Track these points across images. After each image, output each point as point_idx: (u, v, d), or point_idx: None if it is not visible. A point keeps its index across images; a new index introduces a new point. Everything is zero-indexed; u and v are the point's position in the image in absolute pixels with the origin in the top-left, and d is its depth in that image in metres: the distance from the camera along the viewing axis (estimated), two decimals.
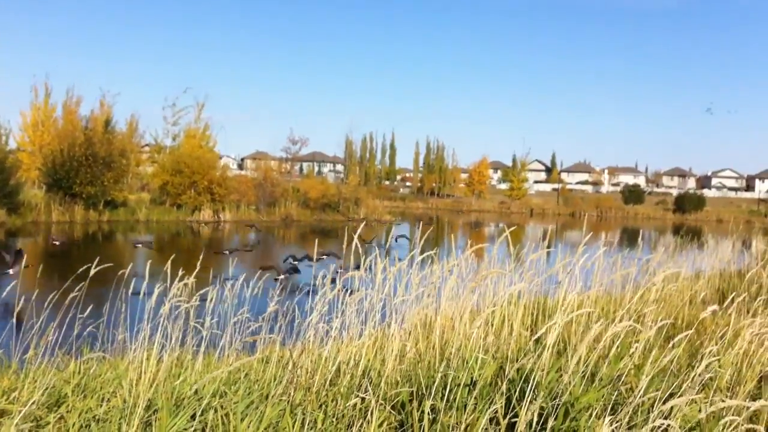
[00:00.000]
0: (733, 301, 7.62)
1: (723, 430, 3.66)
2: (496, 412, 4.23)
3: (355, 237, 5.54)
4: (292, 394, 4.65)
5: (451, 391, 4.43)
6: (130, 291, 6.85)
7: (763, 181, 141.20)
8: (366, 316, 6.05)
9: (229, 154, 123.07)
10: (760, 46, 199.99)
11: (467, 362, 4.65)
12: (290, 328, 6.36)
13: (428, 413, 4.23)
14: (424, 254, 6.17)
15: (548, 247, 7.26)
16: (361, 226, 5.72)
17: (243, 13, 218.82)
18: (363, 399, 4.55)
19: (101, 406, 4.38)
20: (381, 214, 60.58)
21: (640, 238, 9.68)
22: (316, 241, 9.68)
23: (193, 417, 4.18)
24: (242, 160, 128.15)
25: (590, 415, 4.15)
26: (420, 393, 4.58)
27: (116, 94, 59.85)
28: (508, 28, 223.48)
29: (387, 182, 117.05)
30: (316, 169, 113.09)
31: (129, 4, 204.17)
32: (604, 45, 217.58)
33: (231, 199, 49.32)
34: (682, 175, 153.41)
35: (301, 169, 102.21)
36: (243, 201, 50.71)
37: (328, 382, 4.88)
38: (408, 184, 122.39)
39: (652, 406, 4.00)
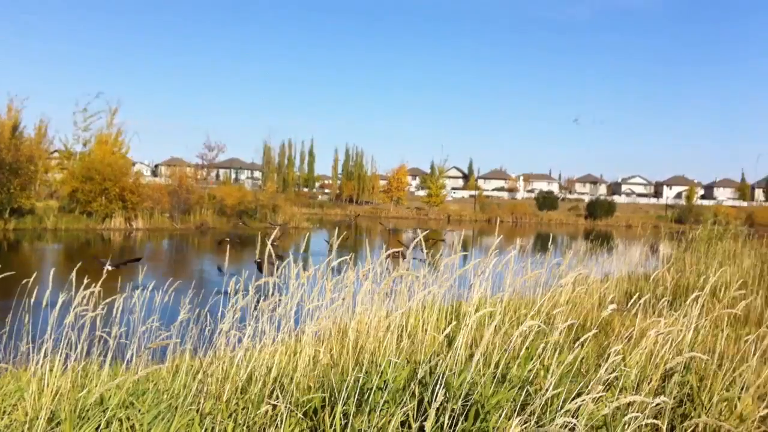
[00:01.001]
0: (637, 302, 7.87)
1: (626, 426, 3.75)
2: (408, 415, 4.24)
3: (269, 244, 5.48)
4: (201, 403, 4.56)
5: (363, 395, 4.42)
6: (32, 301, 6.59)
7: (670, 188, 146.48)
8: (279, 323, 5.98)
9: (143, 161, 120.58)
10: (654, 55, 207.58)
11: (380, 366, 4.65)
12: (202, 337, 6.24)
13: (340, 418, 4.20)
14: (339, 259, 6.15)
15: (465, 252, 7.35)
16: (275, 232, 5.65)
17: (157, 16, 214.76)
18: (274, 406, 4.49)
19: (2, 419, 4.21)
20: (299, 221, 60.27)
21: (549, 243, 9.85)
22: (228, 248, 9.53)
23: (97, 429, 4.05)
24: (156, 166, 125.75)
25: (500, 416, 4.20)
26: (333, 398, 4.55)
27: (25, 99, 57.61)
28: (426, 34, 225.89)
29: (306, 189, 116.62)
30: (233, 175, 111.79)
31: (41, 5, 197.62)
32: (519, 52, 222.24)
33: (144, 206, 48.22)
34: (594, 181, 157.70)
35: (217, 175, 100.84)
36: (157, 208, 49.64)
37: (239, 390, 4.81)
38: (327, 191, 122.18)
39: (562, 406, 4.08)
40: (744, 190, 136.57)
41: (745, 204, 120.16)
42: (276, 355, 5.34)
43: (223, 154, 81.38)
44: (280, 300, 5.97)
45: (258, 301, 5.88)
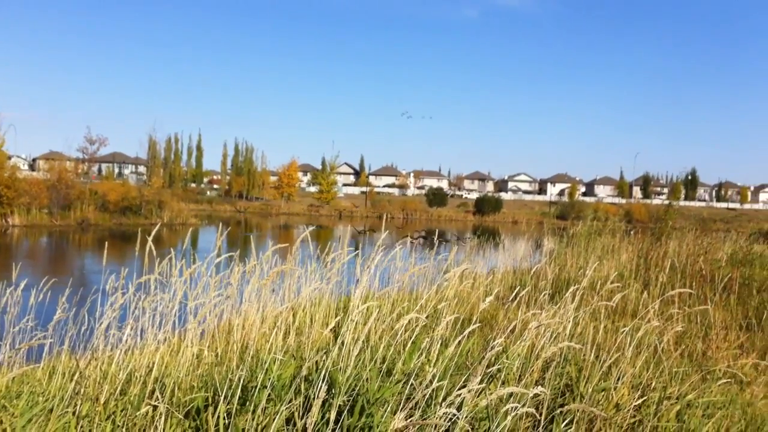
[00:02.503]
0: (518, 295, 8.07)
1: (506, 417, 3.82)
2: (293, 412, 4.19)
3: (149, 241, 5.30)
4: (78, 405, 4.37)
5: (248, 393, 4.34)
6: None
7: (554, 185, 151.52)
8: (162, 321, 5.81)
9: (20, 154, 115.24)
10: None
11: (265, 363, 4.57)
12: (81, 337, 6.00)
13: (223, 417, 4.11)
14: (223, 256, 6.02)
15: (355, 248, 7.33)
16: (155, 228, 5.47)
17: (35, 6, 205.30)
18: (155, 407, 4.35)
19: None
20: (186, 217, 58.92)
21: (436, 237, 9.97)
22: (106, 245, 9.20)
23: None
24: (34, 160, 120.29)
25: (385, 410, 4.20)
26: (216, 398, 4.44)
27: None
28: (317, 33, 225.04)
29: (193, 185, 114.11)
30: (117, 170, 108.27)
31: None
32: (411, 52, 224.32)
33: (20, 202, 46.02)
34: (482, 179, 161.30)
35: (99, 170, 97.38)
36: (34, 204, 47.47)
37: (118, 392, 4.64)
38: (216, 186, 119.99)
39: (445, 399, 4.11)
40: (623, 188, 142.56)
41: (623, 201, 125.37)
42: (157, 355, 5.18)
43: (106, 148, 78.55)
44: (161, 298, 5.80)
45: (139, 299, 5.69)
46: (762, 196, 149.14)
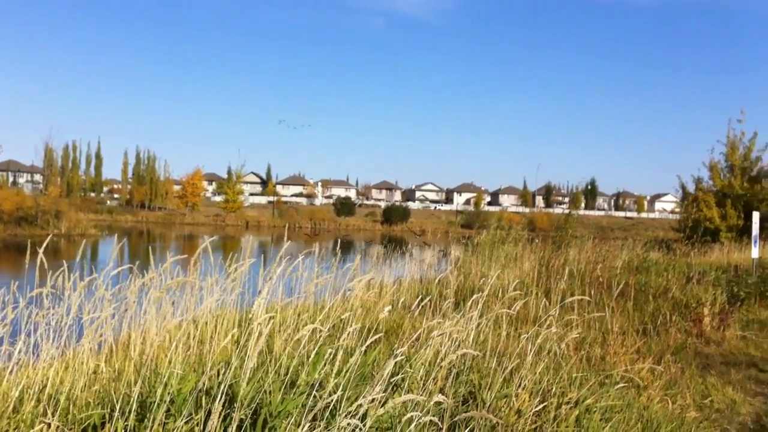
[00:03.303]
0: (423, 304, 8.12)
1: (408, 426, 3.83)
2: (193, 428, 4.10)
3: (40, 252, 5.09)
4: None
5: (147, 409, 4.22)
6: None
7: (460, 195, 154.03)
8: (56, 336, 5.59)
9: None
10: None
11: (165, 378, 4.45)
12: None
13: None
14: (120, 267, 5.84)
15: (264, 259, 7.23)
16: (47, 239, 5.27)
17: None
18: (49, 425, 4.18)
19: None
20: (85, 227, 57.14)
21: (338, 247, 9.94)
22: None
23: None
24: None
25: (288, 423, 4.15)
26: (114, 414, 4.29)
27: None
28: (221, 40, 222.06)
29: (93, 194, 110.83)
30: (11, 179, 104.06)
31: None
32: (317, 61, 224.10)
33: None
34: (390, 188, 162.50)
35: None
36: None
37: (10, 410, 4.44)
38: (116, 196, 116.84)
39: (354, 411, 4.09)
40: (526, 197, 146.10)
41: (527, 210, 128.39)
42: (51, 371, 4.98)
43: None
44: (55, 311, 5.58)
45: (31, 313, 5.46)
46: (658, 206, 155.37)
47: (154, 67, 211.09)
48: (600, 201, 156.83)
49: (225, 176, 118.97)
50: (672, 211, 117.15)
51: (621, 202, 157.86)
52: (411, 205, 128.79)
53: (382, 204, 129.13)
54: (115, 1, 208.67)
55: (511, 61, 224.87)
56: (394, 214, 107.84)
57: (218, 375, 4.46)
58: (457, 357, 4.98)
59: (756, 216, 21.99)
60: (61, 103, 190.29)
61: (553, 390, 5.70)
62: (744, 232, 32.83)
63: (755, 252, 20.59)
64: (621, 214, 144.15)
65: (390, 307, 4.98)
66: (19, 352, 5.16)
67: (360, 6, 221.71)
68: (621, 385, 6.46)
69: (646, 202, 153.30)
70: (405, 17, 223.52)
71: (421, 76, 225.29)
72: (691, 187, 42.45)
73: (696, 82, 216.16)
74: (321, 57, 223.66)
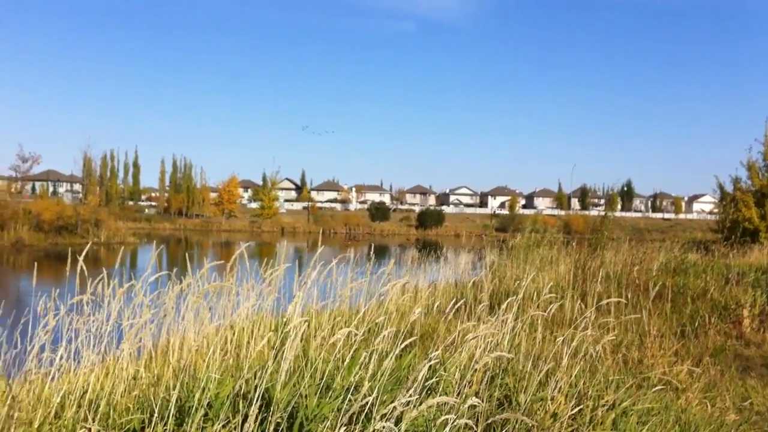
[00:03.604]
0: (460, 308, 8.13)
1: (443, 429, 3.84)
2: (231, 431, 4.15)
3: (80, 260, 5.20)
4: (12, 430, 4.25)
5: (186, 413, 4.28)
6: None
7: (494, 198, 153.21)
8: (97, 342, 5.69)
9: None
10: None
11: (203, 382, 4.51)
12: (15, 360, 5.83)
13: None
14: (158, 274, 5.93)
15: (300, 264, 7.29)
16: (86, 248, 5.37)
17: None
18: (90, 430, 4.26)
19: None
20: (124, 236, 57.88)
21: (370, 251, 9.94)
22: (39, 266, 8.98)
23: None
24: None
25: (325, 426, 4.19)
26: (154, 419, 4.37)
27: None
28: (254, 47, 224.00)
29: (131, 202, 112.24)
30: (51, 189, 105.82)
31: None
32: (350, 67, 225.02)
33: None
34: (424, 192, 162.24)
35: (33, 189, 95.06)
36: None
37: (52, 415, 4.53)
38: (154, 204, 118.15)
39: (387, 414, 4.11)
40: (561, 200, 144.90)
41: (562, 213, 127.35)
42: (92, 376, 5.07)
43: (39, 166, 76.97)
44: (96, 318, 5.68)
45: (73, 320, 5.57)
46: (696, 207, 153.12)
47: (189, 76, 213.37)
48: (636, 203, 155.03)
49: (260, 183, 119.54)
50: (710, 212, 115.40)
51: (658, 203, 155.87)
52: (445, 209, 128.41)
53: (417, 208, 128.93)
54: (148, 10, 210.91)
55: (544, 62, 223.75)
56: (428, 219, 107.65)
57: (254, 379, 4.51)
58: (491, 360, 4.98)
59: None
60: (98, 112, 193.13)
61: (589, 393, 5.67)
62: None
63: None
64: (658, 215, 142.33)
65: (420, 309, 4.99)
66: (60, 358, 5.25)
67: (389, 11, 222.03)
68: (658, 387, 6.40)
69: (683, 203, 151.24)
70: (433, 21, 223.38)
71: (453, 79, 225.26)
72: (729, 187, 41.76)
73: (732, 79, 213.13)
74: (354, 61, 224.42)
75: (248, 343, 5.90)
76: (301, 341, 6.06)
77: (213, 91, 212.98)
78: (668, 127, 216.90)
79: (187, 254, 7.02)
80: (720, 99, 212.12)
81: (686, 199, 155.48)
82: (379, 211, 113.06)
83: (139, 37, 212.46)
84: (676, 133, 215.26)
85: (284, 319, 6.15)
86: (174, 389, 4.50)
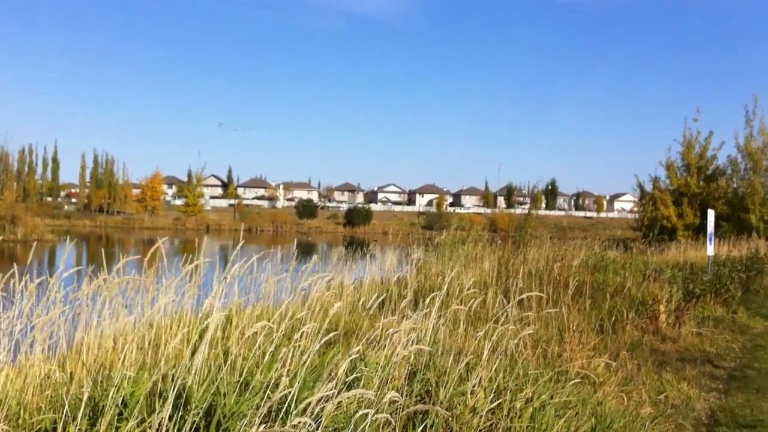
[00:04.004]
0: (384, 304, 8.15)
1: (361, 424, 3.83)
2: (145, 430, 4.05)
3: None
4: None
5: (99, 413, 4.17)
6: None
7: (422, 196, 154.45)
8: (9, 340, 5.49)
9: None
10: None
11: (117, 380, 4.40)
12: None
13: None
14: (71, 270, 5.76)
15: (224, 261, 7.17)
16: None
17: None
18: None
19: None
20: (42, 232, 56.17)
21: (294, 248, 9.88)
22: None
23: None
24: None
25: (243, 424, 4.13)
26: (65, 418, 4.23)
27: None
28: (179, 43, 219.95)
29: (50, 199, 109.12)
30: None
31: None
32: (276, 62, 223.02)
33: None
34: (352, 190, 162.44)
35: None
36: None
37: None
38: (74, 200, 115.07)
39: (305, 409, 4.08)
40: (488, 198, 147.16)
41: (489, 211, 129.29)
42: (2, 376, 4.89)
43: None
44: (6, 316, 5.48)
45: None
46: (617, 205, 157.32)
47: (110, 70, 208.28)
48: (560, 201, 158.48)
49: (185, 179, 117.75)
50: (631, 211, 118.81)
51: (581, 202, 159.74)
52: (373, 206, 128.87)
53: (345, 206, 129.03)
54: (68, 3, 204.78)
55: (472, 61, 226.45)
56: (356, 216, 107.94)
57: (171, 378, 4.41)
58: (411, 354, 4.99)
59: (711, 214, 22.41)
60: (16, 106, 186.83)
61: (509, 387, 5.74)
62: (700, 230, 33.41)
63: (710, 249, 20.97)
64: (581, 213, 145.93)
65: (341, 303, 4.99)
66: None
67: (321, 7, 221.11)
68: (576, 381, 6.54)
69: (605, 202, 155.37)
70: (365, 18, 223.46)
71: (382, 77, 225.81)
72: (648, 187, 43.17)
73: (654, 81, 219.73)
74: (282, 58, 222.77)
75: (167, 340, 5.79)
76: (222, 337, 5.97)
77: (138, 85, 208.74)
78: (591, 127, 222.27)
79: (103, 251, 6.80)
80: (642, 100, 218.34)
81: (608, 198, 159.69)
82: (306, 209, 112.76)
83: (57, 30, 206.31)
84: (599, 134, 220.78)
85: (203, 315, 6.06)
86: (89, 388, 4.38)
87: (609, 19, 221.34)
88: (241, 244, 6.16)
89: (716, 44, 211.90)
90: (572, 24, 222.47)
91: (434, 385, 5.57)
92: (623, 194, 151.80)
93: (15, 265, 5.65)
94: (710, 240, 21.24)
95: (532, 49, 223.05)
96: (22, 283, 5.53)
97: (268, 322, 4.99)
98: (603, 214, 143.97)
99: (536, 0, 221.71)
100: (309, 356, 4.56)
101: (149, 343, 5.66)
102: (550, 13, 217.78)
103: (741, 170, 40.15)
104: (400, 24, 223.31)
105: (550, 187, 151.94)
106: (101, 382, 4.69)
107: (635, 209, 69.62)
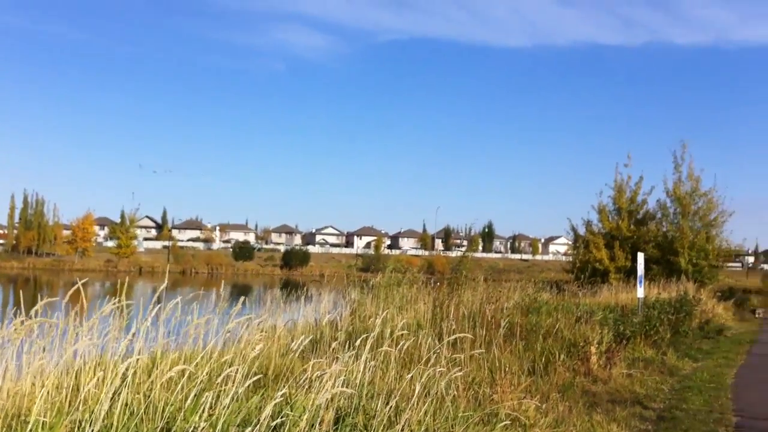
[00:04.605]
0: (317, 347, 8.04)
1: None
2: None
3: None
4: None
5: None
6: None
7: (360, 238, 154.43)
8: None
9: None
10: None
11: (31, 425, 4.21)
12: None
13: None
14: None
15: (155, 303, 6.98)
16: None
17: None
18: None
19: None
20: None
21: (222, 291, 9.65)
22: None
23: None
24: None
25: None
26: None
27: None
28: (116, 84, 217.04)
29: None
30: None
31: None
32: (219, 104, 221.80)
33: None
34: (290, 232, 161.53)
35: None
36: None
37: None
38: (2, 241, 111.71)
39: None
40: (425, 240, 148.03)
41: (426, 253, 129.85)
42: None
43: None
44: None
45: None
46: (552, 248, 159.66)
47: (46, 108, 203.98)
48: (497, 243, 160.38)
49: (118, 220, 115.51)
50: (565, 253, 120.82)
51: (517, 244, 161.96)
52: (311, 248, 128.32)
53: (282, 248, 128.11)
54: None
55: (408, 106, 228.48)
56: (293, 258, 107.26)
57: (88, 422, 4.24)
58: (342, 399, 4.91)
59: (641, 257, 22.91)
60: None
61: (438, 429, 5.69)
62: (632, 272, 33.96)
63: (640, 292, 21.40)
64: (517, 256, 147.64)
65: (261, 345, 4.89)
66: None
67: (259, 49, 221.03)
68: (506, 422, 6.52)
69: (540, 245, 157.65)
70: (303, 61, 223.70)
71: (320, 120, 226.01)
72: (581, 230, 43.88)
73: (587, 128, 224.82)
74: (219, 99, 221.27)
75: (87, 384, 5.59)
76: (146, 380, 5.79)
77: (73, 125, 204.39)
78: (526, 171, 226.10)
79: (21, 293, 6.54)
80: (575, 146, 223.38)
81: (543, 240, 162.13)
82: (243, 251, 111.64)
83: None
84: (533, 178, 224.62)
85: (123, 358, 5.87)
86: None
87: (544, 66, 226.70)
88: (164, 286, 6.02)
89: (648, 91, 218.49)
90: (506, 70, 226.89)
91: (363, 428, 5.49)
92: (558, 237, 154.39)
93: None
94: (640, 282, 21.69)
95: (467, 94, 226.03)
96: None
97: (191, 365, 4.86)
98: (538, 257, 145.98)
99: (470, 47, 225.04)
100: (231, 400, 4.44)
101: (67, 387, 5.45)
102: (485, 60, 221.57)
103: (670, 214, 41.07)
104: (339, 68, 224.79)
105: (486, 230, 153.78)
106: (15, 428, 4.49)
107: (569, 252, 70.76)
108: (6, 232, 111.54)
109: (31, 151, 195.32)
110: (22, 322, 5.58)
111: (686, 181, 40.61)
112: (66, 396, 5.41)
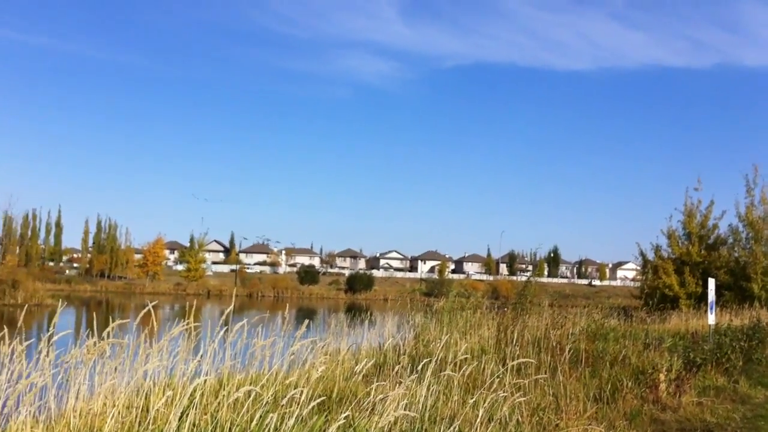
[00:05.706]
0: (381, 371, 8.08)
1: None
2: None
3: None
4: None
5: None
6: None
7: (424, 263, 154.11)
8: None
9: None
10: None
11: None
12: None
13: None
14: (60, 333, 5.74)
15: (223, 327, 7.14)
16: None
17: None
18: None
19: None
20: (42, 297, 56.02)
21: (286, 313, 9.80)
22: None
23: None
24: None
25: None
26: None
27: None
28: (177, 100, 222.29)
29: (52, 263, 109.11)
30: None
31: None
32: (286, 128, 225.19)
33: None
34: (354, 256, 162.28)
35: None
36: None
37: None
38: (76, 265, 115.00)
39: None
40: (490, 265, 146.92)
41: (491, 278, 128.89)
42: None
43: None
44: None
45: None
46: (619, 273, 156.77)
47: (120, 135, 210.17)
48: (563, 269, 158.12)
49: (187, 244, 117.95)
50: (633, 279, 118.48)
51: (584, 269, 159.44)
52: (375, 273, 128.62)
53: (347, 272, 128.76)
54: (72, 68, 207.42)
55: (475, 130, 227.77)
56: (357, 283, 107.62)
57: None
58: (401, 419, 4.92)
59: (712, 283, 22.32)
60: (20, 171, 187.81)
61: None
62: (702, 298, 33.12)
63: (711, 318, 20.82)
64: (584, 281, 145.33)
65: (324, 366, 4.95)
66: None
67: (326, 77, 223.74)
68: None
69: (608, 270, 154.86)
70: (370, 87, 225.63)
71: (385, 145, 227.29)
72: (650, 255, 43.08)
73: (656, 150, 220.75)
74: (287, 125, 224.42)
75: (156, 404, 5.74)
76: (213, 401, 5.91)
77: (145, 151, 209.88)
78: (594, 195, 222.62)
79: (95, 315, 6.77)
80: (644, 169, 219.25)
81: (611, 265, 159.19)
82: (308, 275, 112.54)
83: (59, 95, 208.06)
84: (601, 202, 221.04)
85: (191, 379, 6.01)
86: None
87: (610, 90, 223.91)
88: (230, 309, 6.15)
89: (718, 114, 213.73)
90: (571, 94, 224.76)
91: None
92: (626, 262, 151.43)
93: (5, 328, 5.64)
94: (711, 309, 21.11)
95: (534, 118, 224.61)
96: (10, 346, 5.51)
97: (257, 386, 4.95)
98: (606, 282, 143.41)
99: (535, 70, 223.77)
100: (296, 422, 4.51)
101: (137, 407, 5.61)
102: (550, 84, 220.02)
103: (742, 239, 40.06)
104: (404, 94, 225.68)
105: (552, 255, 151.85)
106: None
107: (638, 277, 69.36)
108: (80, 255, 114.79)
109: (105, 176, 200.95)
110: (95, 344, 5.76)
111: (759, 205, 39.62)
112: (136, 416, 5.56)
